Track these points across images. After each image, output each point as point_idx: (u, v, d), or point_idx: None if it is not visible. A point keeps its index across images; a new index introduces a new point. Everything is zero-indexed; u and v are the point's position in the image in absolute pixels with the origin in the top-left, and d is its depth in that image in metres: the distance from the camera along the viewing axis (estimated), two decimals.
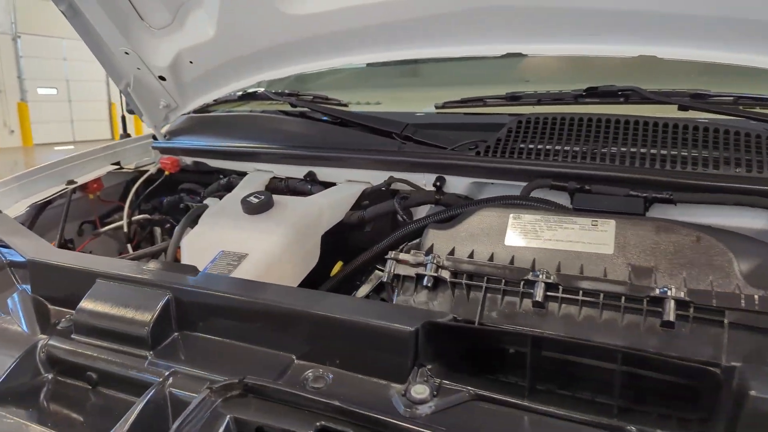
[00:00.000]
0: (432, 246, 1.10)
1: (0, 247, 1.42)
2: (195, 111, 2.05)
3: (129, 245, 1.95)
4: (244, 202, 1.46)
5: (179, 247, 1.49)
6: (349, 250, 1.60)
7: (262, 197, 1.46)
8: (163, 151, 1.99)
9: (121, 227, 1.93)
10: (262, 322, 0.99)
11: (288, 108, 1.98)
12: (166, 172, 1.95)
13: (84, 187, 1.87)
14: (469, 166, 1.37)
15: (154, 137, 2.15)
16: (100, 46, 1.88)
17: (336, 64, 1.68)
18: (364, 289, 1.39)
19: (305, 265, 1.41)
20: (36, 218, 1.71)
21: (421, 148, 1.48)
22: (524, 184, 1.34)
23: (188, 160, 1.94)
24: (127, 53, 1.84)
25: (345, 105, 1.85)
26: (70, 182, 1.85)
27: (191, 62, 1.84)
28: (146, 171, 2.02)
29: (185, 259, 1.39)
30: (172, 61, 1.84)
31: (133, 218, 1.95)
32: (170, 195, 2.01)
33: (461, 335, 0.90)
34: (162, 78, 1.91)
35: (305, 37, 1.63)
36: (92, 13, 1.74)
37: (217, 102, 2.00)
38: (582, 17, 1.34)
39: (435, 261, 1.03)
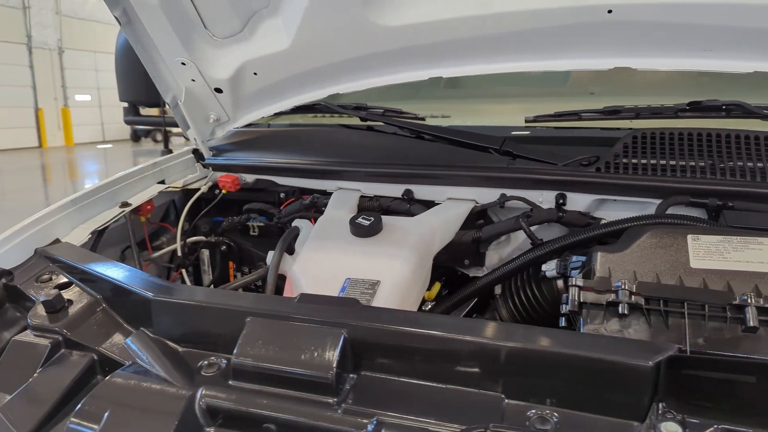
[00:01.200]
0: (609, 270, 1.06)
1: (81, 281, 1.28)
2: (246, 125, 1.93)
3: (184, 271, 1.81)
4: (354, 224, 1.37)
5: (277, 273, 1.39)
6: (442, 271, 1.55)
7: (372, 219, 1.38)
8: (220, 168, 1.86)
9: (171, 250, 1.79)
10: (467, 360, 0.92)
11: (347, 121, 1.90)
12: (223, 191, 1.82)
13: (137, 210, 1.72)
14: (594, 182, 1.35)
15: (195, 152, 2.01)
16: (151, 55, 1.74)
17: (419, 77, 1.61)
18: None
19: (423, 289, 1.35)
20: (97, 245, 1.55)
21: (532, 164, 1.45)
22: (648, 200, 1.33)
23: (249, 178, 1.82)
24: (183, 64, 1.71)
25: (422, 119, 1.79)
26: (124, 204, 1.69)
27: (255, 74, 1.72)
28: (195, 189, 1.89)
29: (302, 288, 1.29)
30: (234, 73, 1.72)
31: (189, 240, 1.81)
32: (222, 215, 1.89)
33: (702, 366, 0.87)
34: (218, 90, 1.79)
35: (392, 49, 1.55)
36: (151, 20, 1.61)
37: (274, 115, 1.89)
38: (696, 32, 1.35)
39: (626, 287, 0.99)
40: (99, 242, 1.56)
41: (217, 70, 1.73)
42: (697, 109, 1.49)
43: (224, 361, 1.05)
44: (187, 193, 1.90)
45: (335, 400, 0.92)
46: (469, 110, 2.09)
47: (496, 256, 1.60)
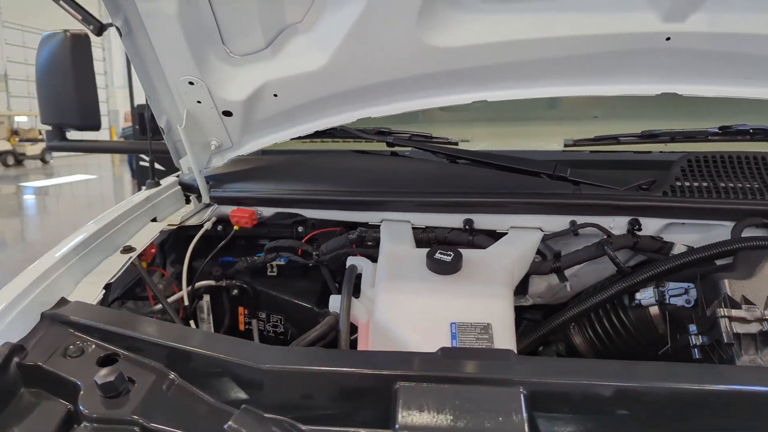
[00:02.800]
0: (742, 298, 1.05)
1: (127, 350, 1.04)
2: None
3: (192, 322, 1.56)
4: (434, 260, 1.25)
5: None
6: None
7: (452, 254, 1.26)
8: (228, 201, 1.63)
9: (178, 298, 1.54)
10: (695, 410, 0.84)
11: (363, 147, 1.77)
12: (235, 227, 1.60)
13: (140, 255, 1.45)
14: (667, 207, 1.35)
15: (183, 184, 1.77)
16: (150, 72, 1.50)
17: (462, 101, 1.53)
18: None
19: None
20: (107, 301, 1.28)
21: (596, 190, 1.42)
22: (716, 222, 1.36)
23: (267, 212, 1.61)
24: (191, 83, 1.48)
25: (455, 143, 1.70)
26: (128, 249, 1.42)
27: (276, 95, 1.54)
28: (195, 227, 1.64)
29: (393, 336, 1.14)
30: (250, 94, 1.52)
31: (197, 285, 1.56)
32: (226, 254, 1.66)
33: None
34: (227, 113, 1.57)
35: (440, 70, 1.46)
36: (161, 32, 1.38)
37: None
38: (742, 61, 1.41)
39: None
40: (107, 297, 1.29)
41: (229, 90, 1.52)
42: (727, 133, 1.56)
43: None
44: (181, 230, 1.64)
45: None
46: (478, 134, 2.02)
47: (541, 284, 1.55)
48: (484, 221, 1.46)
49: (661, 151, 1.64)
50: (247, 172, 1.71)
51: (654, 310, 1.24)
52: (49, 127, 2.53)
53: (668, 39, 1.37)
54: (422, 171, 1.58)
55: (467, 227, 1.44)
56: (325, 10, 1.40)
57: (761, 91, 1.44)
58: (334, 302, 1.27)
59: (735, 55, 1.40)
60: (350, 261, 1.36)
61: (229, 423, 0.90)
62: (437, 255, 1.26)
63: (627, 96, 1.60)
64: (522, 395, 0.84)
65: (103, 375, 0.93)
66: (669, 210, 1.36)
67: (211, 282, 1.60)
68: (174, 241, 1.66)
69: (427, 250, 1.30)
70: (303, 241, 1.61)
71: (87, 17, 3.08)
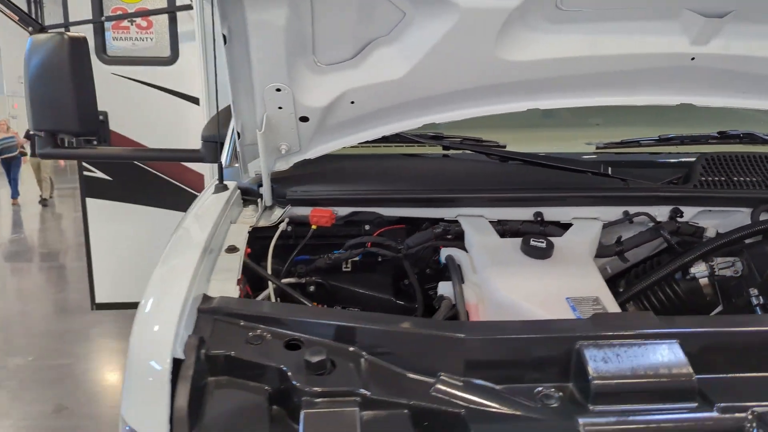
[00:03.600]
0: None
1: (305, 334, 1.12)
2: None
3: None
4: (531, 247, 1.43)
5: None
6: None
7: (545, 242, 1.45)
8: (304, 202, 1.70)
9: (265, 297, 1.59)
10: None
11: (413, 151, 1.91)
12: (313, 227, 1.68)
13: None
14: (702, 197, 1.62)
15: (241, 189, 1.82)
16: (240, 78, 1.55)
17: (518, 108, 1.73)
18: None
19: None
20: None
21: (642, 184, 1.67)
22: (737, 209, 1.66)
23: (343, 211, 1.71)
24: (278, 90, 1.56)
25: (503, 146, 1.89)
26: (232, 249, 1.47)
27: (353, 102, 1.65)
28: (268, 227, 1.70)
29: (515, 311, 1.30)
30: (331, 101, 1.62)
31: (283, 281, 1.63)
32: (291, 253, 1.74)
33: None
34: (304, 119, 1.66)
35: (506, 81, 1.65)
36: (264, 41, 1.46)
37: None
38: (742, 78, 1.73)
39: None
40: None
41: (311, 97, 1.61)
42: (724, 137, 1.89)
43: (553, 390, 1.04)
44: (254, 232, 1.69)
45: (705, 403, 1.00)
46: (512, 138, 2.21)
47: None
48: (549, 213, 1.67)
49: (669, 152, 1.94)
50: (308, 176, 1.79)
51: (704, 281, 1.50)
52: (41, 134, 2.44)
53: (693, 59, 1.65)
54: (482, 170, 1.76)
55: (539, 219, 1.64)
56: (412, 25, 1.54)
57: (755, 102, 1.77)
58: (444, 288, 1.41)
59: (737, 74, 1.72)
60: (445, 252, 1.51)
61: (435, 386, 1.02)
62: (532, 242, 1.44)
63: (624, 107, 1.88)
64: (678, 345, 1.05)
65: (313, 355, 1.02)
66: (703, 199, 1.64)
67: (293, 279, 1.66)
68: (248, 242, 1.71)
69: (514, 239, 1.48)
70: (374, 234, 1.72)
71: (25, 18, 2.98)
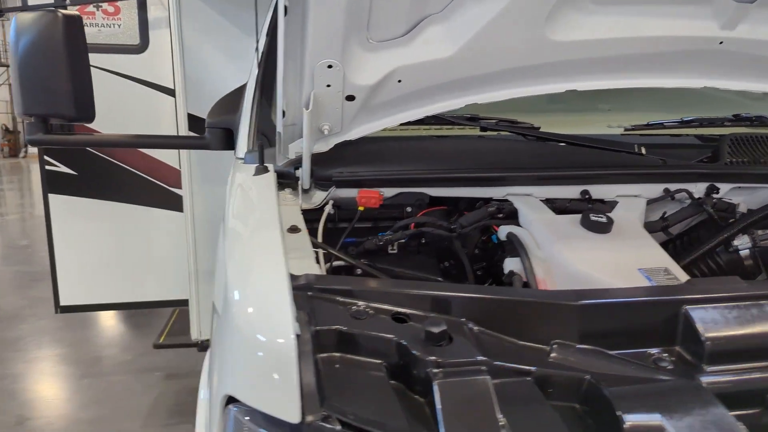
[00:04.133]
0: None
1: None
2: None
3: None
4: (591, 222, 1.45)
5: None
6: None
7: (604, 217, 1.48)
8: (350, 184, 1.66)
9: None
10: None
11: (445, 132, 1.91)
12: (360, 208, 1.64)
13: None
14: (736, 174, 1.70)
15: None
16: (291, 54, 1.50)
17: (558, 89, 1.75)
18: None
19: None
20: None
21: (681, 162, 1.73)
22: (761, 185, 1.74)
23: (389, 192, 1.67)
24: (330, 66, 1.52)
25: (538, 128, 1.91)
26: (293, 229, 1.41)
27: (400, 81, 1.62)
28: (314, 210, 1.65)
29: (591, 282, 1.31)
30: (380, 80, 1.59)
31: (334, 264, 1.58)
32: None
33: None
34: (350, 98, 1.62)
35: (551, 61, 1.67)
36: (324, 15, 1.42)
37: None
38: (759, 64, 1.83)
39: None
40: None
41: (360, 75, 1.58)
42: (737, 119, 1.99)
43: (664, 354, 1.06)
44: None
45: None
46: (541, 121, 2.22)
47: None
48: (593, 192, 1.70)
49: (687, 134, 2.02)
50: (346, 158, 1.75)
51: (745, 253, 1.58)
52: (31, 119, 2.30)
53: (721, 43, 1.73)
54: (524, 150, 1.78)
55: (586, 197, 1.67)
56: (464, 5, 1.53)
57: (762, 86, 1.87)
58: (511, 264, 1.42)
59: (758, 58, 1.81)
60: (505, 230, 1.51)
61: (551, 354, 1.02)
62: (593, 217, 1.47)
63: (627, 92, 1.95)
64: None
65: (434, 326, 0.99)
66: (737, 176, 1.72)
67: (342, 261, 1.62)
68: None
69: (572, 215, 1.50)
70: (418, 215, 1.71)
71: None
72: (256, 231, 1.31)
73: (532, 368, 0.99)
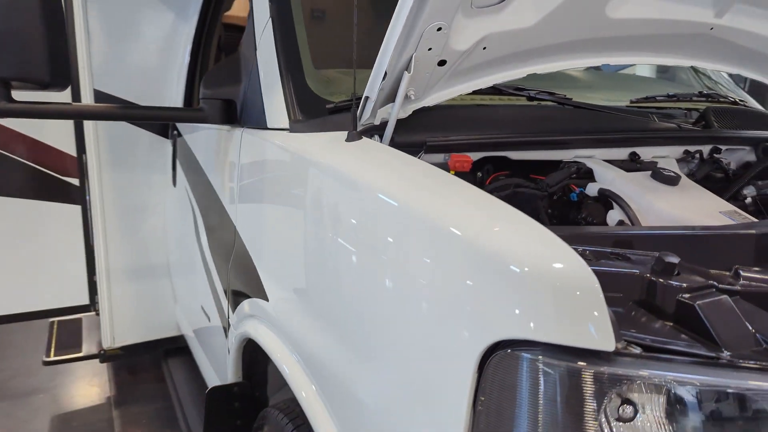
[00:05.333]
0: None
1: None
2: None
3: None
4: (665, 176, 1.67)
5: None
6: None
7: (672, 171, 1.70)
8: (440, 149, 1.66)
9: None
10: None
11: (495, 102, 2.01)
12: (451, 172, 1.66)
13: None
14: (730, 137, 2.04)
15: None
16: (405, 12, 1.47)
17: (596, 63, 1.95)
18: None
19: None
20: None
21: (692, 128, 2.03)
22: (741, 147, 2.12)
23: (475, 157, 1.71)
24: (439, 29, 1.52)
25: (570, 98, 2.07)
26: None
27: (485, 48, 1.68)
28: None
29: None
30: (472, 46, 1.63)
31: None
32: None
33: None
34: (442, 63, 1.63)
35: (601, 37, 1.85)
36: None
37: None
38: (736, 49, 2.21)
39: None
40: None
41: (459, 40, 1.60)
42: (702, 95, 2.39)
43: None
44: None
45: None
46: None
47: None
48: (641, 152, 1.92)
49: (678, 108, 2.36)
50: (420, 125, 1.75)
51: (749, 201, 1.92)
52: None
53: (712, 29, 2.07)
54: (573, 117, 1.94)
55: (635, 158, 1.89)
56: None
57: (742, 71, 2.27)
58: (616, 215, 1.57)
59: (737, 46, 2.19)
60: (594, 186, 1.66)
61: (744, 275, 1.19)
62: (665, 172, 1.68)
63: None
64: None
65: (668, 257, 1.10)
66: (732, 139, 2.07)
67: None
68: None
69: (641, 172, 1.71)
70: (487, 183, 1.78)
71: None
72: (455, 189, 1.26)
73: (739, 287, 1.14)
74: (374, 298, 1.27)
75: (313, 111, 1.84)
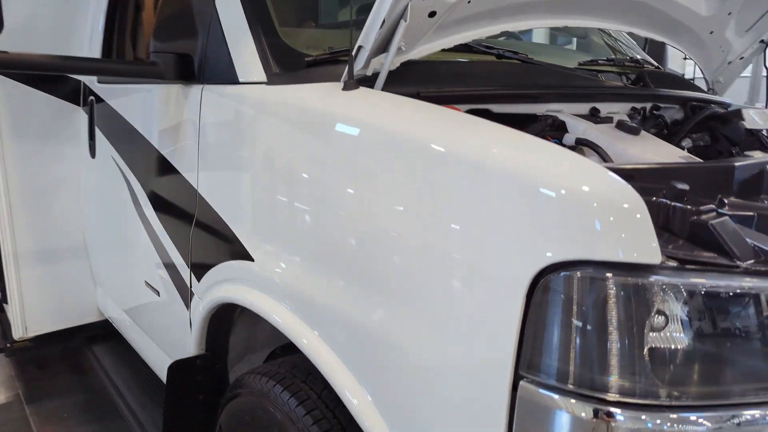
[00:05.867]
0: None
1: None
2: None
3: None
4: (629, 127, 1.81)
5: None
6: None
7: (635, 123, 1.85)
8: (438, 100, 1.67)
9: None
10: None
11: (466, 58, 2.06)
12: None
13: None
14: (669, 96, 2.24)
15: None
16: None
17: (560, 24, 2.05)
18: None
19: None
20: None
21: (638, 87, 2.20)
22: (671, 105, 2.35)
23: (463, 109, 1.74)
24: None
25: (525, 54, 2.15)
26: None
27: (469, 2, 1.71)
28: None
29: None
30: None
31: None
32: None
33: None
34: (432, 14, 1.64)
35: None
36: None
37: None
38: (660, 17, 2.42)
39: None
40: None
41: None
42: (632, 60, 2.60)
43: None
44: None
45: None
46: None
47: None
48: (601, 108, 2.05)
49: (614, 71, 2.53)
50: (404, 77, 1.75)
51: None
52: None
53: None
54: (540, 74, 2.03)
55: (596, 113, 2.02)
56: None
57: (661, 37, 2.50)
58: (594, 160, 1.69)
59: (659, 13, 2.40)
60: (571, 137, 1.77)
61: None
62: (628, 123, 1.83)
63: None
64: None
65: (678, 184, 1.22)
66: (667, 98, 2.27)
67: None
68: None
69: (606, 123, 1.85)
70: None
71: None
72: (487, 127, 1.28)
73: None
74: (413, 239, 1.27)
75: (291, 64, 1.78)
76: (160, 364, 2.61)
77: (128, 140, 2.57)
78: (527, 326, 1.07)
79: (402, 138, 1.32)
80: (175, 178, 2.16)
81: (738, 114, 2.09)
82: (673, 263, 1.05)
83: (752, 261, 1.11)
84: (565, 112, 1.96)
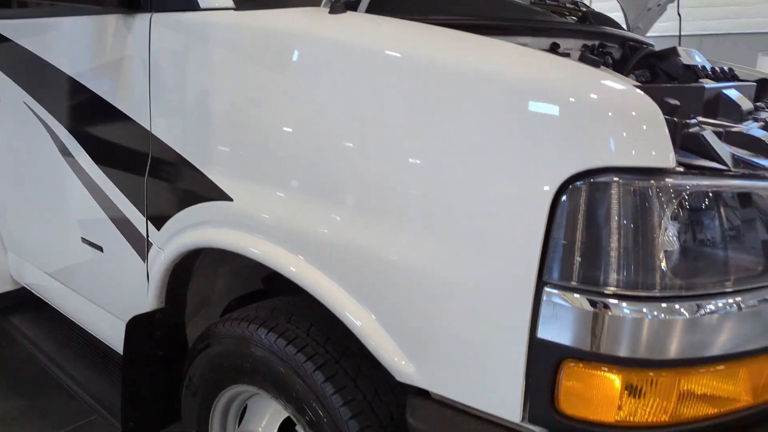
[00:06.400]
0: None
1: None
2: None
3: None
4: (591, 59, 1.89)
5: None
6: None
7: (595, 57, 1.93)
8: None
9: None
10: None
11: None
12: None
13: None
14: (615, 35, 2.35)
15: None
16: None
17: None
18: None
19: None
20: None
21: (590, 24, 2.29)
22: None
23: None
24: None
25: None
26: None
27: None
28: None
29: None
30: None
31: None
32: None
33: None
34: None
35: None
36: None
37: None
38: None
39: None
40: None
41: None
42: (573, 2, 2.70)
43: None
44: None
45: None
46: None
47: None
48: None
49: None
50: (386, 5, 1.70)
51: None
52: None
53: None
54: (503, 10, 2.05)
55: (556, 47, 2.07)
56: None
57: None
58: None
59: None
60: None
61: None
62: (590, 56, 1.91)
63: None
64: None
65: (670, 100, 1.29)
66: (613, 37, 2.37)
67: None
68: None
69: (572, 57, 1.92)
70: None
71: None
72: (493, 44, 1.27)
73: None
74: (425, 158, 1.26)
75: None
76: (102, 326, 2.43)
77: (48, 83, 2.30)
78: (553, 234, 1.11)
79: (417, 58, 1.29)
80: (119, 121, 1.97)
81: (674, 51, 2.24)
82: (681, 168, 1.13)
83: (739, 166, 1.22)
84: (531, 45, 2.01)
